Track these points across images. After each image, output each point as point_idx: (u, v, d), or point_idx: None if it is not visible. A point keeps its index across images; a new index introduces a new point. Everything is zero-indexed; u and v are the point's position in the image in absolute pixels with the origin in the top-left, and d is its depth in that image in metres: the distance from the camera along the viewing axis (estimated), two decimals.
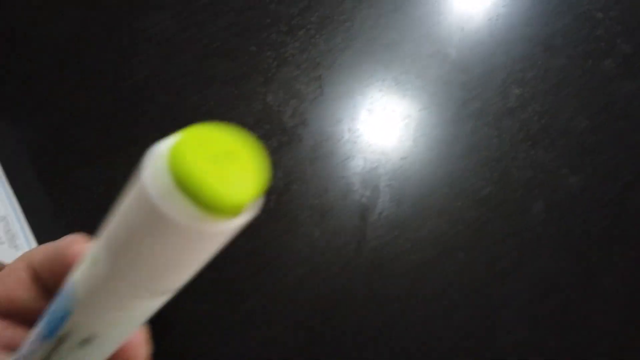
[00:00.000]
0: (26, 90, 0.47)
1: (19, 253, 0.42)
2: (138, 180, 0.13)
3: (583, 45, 0.50)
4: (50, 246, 0.22)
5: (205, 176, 0.12)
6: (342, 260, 0.45)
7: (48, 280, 0.21)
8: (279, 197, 0.45)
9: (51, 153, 0.46)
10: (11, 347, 0.22)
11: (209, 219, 0.13)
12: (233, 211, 0.13)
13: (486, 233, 0.45)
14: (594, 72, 0.49)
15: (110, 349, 0.18)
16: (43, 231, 0.45)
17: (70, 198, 0.45)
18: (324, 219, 0.45)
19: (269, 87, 0.47)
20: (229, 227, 0.13)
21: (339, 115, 0.47)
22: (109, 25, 0.47)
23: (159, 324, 0.20)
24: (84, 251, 0.20)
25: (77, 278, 0.16)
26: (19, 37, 0.48)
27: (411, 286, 0.45)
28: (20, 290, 0.22)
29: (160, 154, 0.13)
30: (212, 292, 0.44)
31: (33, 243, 0.46)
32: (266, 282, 0.45)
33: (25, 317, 0.22)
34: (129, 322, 0.17)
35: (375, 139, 0.47)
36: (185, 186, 0.12)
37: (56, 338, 0.17)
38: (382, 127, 0.47)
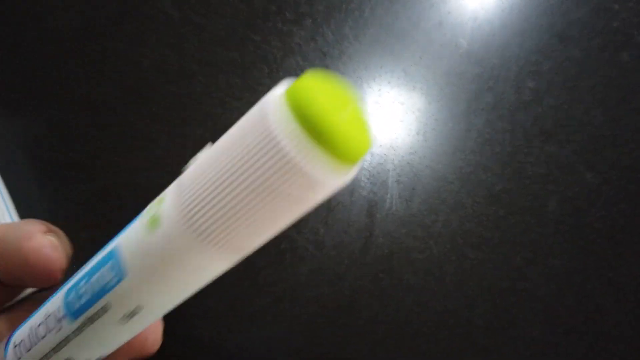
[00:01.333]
0: (25, 82, 0.45)
1: None
2: (258, 122, 0.12)
3: (599, 37, 0.48)
4: (5, 233, 0.18)
5: (334, 121, 0.12)
6: (349, 258, 0.44)
7: None
8: None
9: (50, 148, 0.44)
10: None
11: (332, 168, 0.12)
12: (355, 160, 0.12)
13: (499, 231, 0.44)
14: (611, 65, 0.47)
15: (152, 321, 0.16)
16: None
17: (69, 194, 0.44)
18: (330, 216, 0.44)
19: (274, 78, 0.45)
20: (344, 179, 0.13)
21: None
22: (112, 15, 0.46)
23: (165, 316, 0.18)
24: (43, 248, 0.17)
25: (127, 242, 0.15)
26: (18, 26, 0.46)
27: (421, 285, 0.43)
28: None
29: (283, 97, 0.12)
30: (215, 291, 0.43)
31: None
32: (270, 281, 0.43)
33: None
34: (187, 287, 0.15)
35: (383, 133, 0.45)
36: (316, 131, 0.11)
37: (87, 316, 0.15)
38: (390, 120, 0.45)
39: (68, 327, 0.16)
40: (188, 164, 0.14)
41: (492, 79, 0.46)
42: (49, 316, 0.17)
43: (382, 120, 0.45)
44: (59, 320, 0.16)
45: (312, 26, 0.46)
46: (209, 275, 0.15)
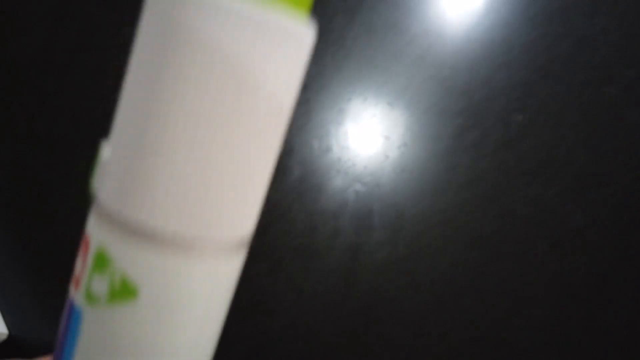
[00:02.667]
0: None
1: None
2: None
3: (583, 72, 0.47)
4: None
5: None
6: (331, 306, 0.40)
7: None
8: (261, 235, 0.40)
9: (5, 188, 0.39)
10: None
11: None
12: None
13: (487, 275, 0.42)
14: (596, 100, 0.46)
15: None
16: None
17: (25, 244, 0.39)
18: (311, 261, 0.41)
19: None
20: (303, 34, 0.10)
21: (328, 143, 0.42)
22: (74, 44, 0.41)
23: None
24: None
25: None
26: None
27: (406, 335, 0.41)
28: None
29: None
30: None
31: None
32: (248, 330, 0.40)
33: None
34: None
35: (367, 170, 0.42)
36: None
37: None
38: (375, 157, 0.43)
39: None
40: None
41: (478, 114, 0.44)
42: None
43: (366, 156, 0.42)
44: None
45: None
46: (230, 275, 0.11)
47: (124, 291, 0.09)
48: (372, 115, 0.43)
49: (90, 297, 0.10)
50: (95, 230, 0.10)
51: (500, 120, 0.44)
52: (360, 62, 0.43)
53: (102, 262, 0.09)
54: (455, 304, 0.41)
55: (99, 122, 0.40)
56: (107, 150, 0.10)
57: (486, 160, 0.44)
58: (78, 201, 0.39)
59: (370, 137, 0.43)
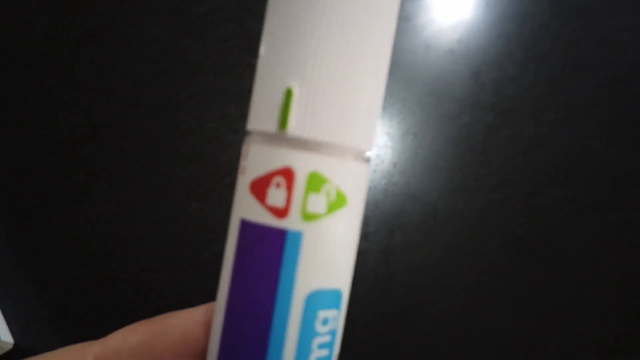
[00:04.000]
0: None
1: None
2: None
3: (612, 69, 0.45)
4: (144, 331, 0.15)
5: None
6: (366, 311, 0.38)
7: None
8: None
9: (8, 191, 0.37)
10: None
11: None
12: None
13: (524, 280, 0.40)
14: (626, 99, 0.45)
15: None
16: None
17: (28, 248, 0.37)
18: None
19: None
20: None
21: None
22: (80, 32, 0.39)
23: None
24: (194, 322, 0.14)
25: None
26: None
27: (442, 341, 0.38)
28: None
29: None
30: None
31: None
32: None
33: None
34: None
35: (397, 168, 0.40)
36: None
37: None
38: (405, 153, 0.41)
39: None
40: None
41: (510, 110, 0.42)
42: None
43: (395, 154, 0.41)
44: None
45: None
46: None
47: (338, 200, 0.12)
48: (400, 112, 0.41)
49: (308, 215, 0.12)
50: (302, 161, 0.12)
51: (532, 117, 0.43)
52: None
53: (316, 183, 0.12)
54: (492, 309, 0.39)
55: (111, 119, 0.38)
56: (297, 88, 0.12)
57: (519, 159, 0.42)
58: (85, 204, 0.37)
59: (398, 134, 0.41)
